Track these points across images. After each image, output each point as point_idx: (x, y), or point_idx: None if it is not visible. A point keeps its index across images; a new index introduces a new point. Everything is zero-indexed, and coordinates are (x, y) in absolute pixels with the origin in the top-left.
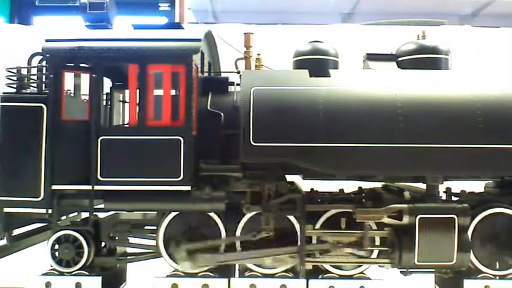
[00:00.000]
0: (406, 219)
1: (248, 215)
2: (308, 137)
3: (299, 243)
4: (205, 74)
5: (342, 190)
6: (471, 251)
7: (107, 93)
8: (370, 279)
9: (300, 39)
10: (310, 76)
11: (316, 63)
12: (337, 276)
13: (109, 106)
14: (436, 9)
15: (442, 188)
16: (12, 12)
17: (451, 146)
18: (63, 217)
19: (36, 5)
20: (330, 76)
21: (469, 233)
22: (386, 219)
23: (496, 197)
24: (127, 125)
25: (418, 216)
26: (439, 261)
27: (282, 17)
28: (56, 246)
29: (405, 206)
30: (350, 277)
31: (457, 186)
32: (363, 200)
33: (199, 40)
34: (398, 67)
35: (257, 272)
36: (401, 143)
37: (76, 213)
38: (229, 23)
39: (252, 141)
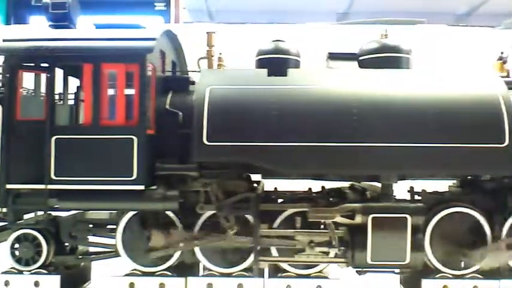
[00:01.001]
0: (358, 219)
1: (206, 214)
2: (261, 136)
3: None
4: (169, 74)
5: (310, 189)
6: (430, 251)
7: (75, 93)
8: (327, 278)
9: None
10: (268, 75)
11: (277, 63)
12: (294, 275)
13: (75, 105)
14: (431, 8)
15: (406, 187)
16: (9, 12)
17: (404, 145)
18: (29, 215)
19: (32, 4)
20: (286, 75)
21: (428, 232)
22: (339, 219)
23: (458, 197)
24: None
25: (371, 216)
26: (392, 261)
27: (277, 16)
28: (16, 245)
29: (358, 205)
30: (307, 276)
31: (430, 185)
32: (319, 200)
33: (153, 39)
34: (360, 66)
35: (215, 271)
36: (355, 142)
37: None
38: (225, 22)
39: (205, 141)
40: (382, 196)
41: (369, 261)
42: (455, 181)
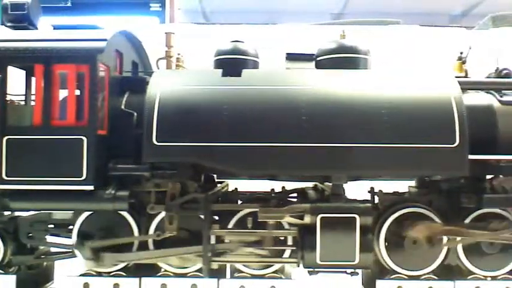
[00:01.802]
0: (307, 219)
1: (162, 214)
2: (211, 137)
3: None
4: (127, 74)
5: (272, 190)
6: (385, 251)
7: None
8: (281, 278)
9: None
10: (223, 76)
11: (233, 63)
12: (248, 275)
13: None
14: (425, 9)
15: (366, 187)
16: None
17: (355, 146)
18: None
19: None
20: (241, 76)
21: (383, 232)
22: (288, 219)
23: (415, 197)
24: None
25: (319, 216)
26: (341, 261)
27: (272, 16)
28: None
29: (307, 205)
30: (261, 277)
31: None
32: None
33: (104, 40)
34: (317, 67)
35: (169, 271)
36: (304, 142)
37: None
38: (220, 23)
39: (155, 141)
40: (333, 196)
41: (318, 261)
42: (414, 182)
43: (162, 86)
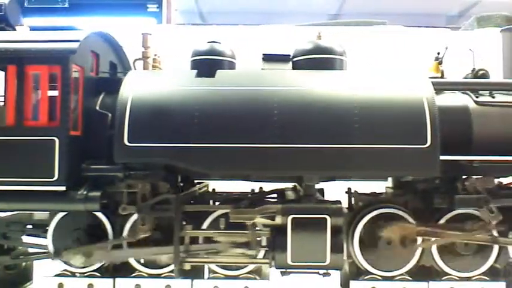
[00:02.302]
0: (278, 220)
1: (135, 215)
2: (182, 137)
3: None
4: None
5: (252, 190)
6: (359, 252)
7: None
8: (256, 279)
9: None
10: (196, 76)
11: (209, 64)
12: (222, 276)
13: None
14: (422, 10)
15: (344, 188)
16: None
17: (326, 147)
18: None
19: (25, 6)
20: (214, 77)
21: (357, 233)
22: (259, 220)
23: (391, 198)
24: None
25: (290, 217)
26: (312, 262)
27: (268, 17)
28: None
29: (278, 206)
30: (235, 277)
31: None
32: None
33: (76, 41)
34: (294, 68)
35: (143, 272)
36: (276, 143)
37: None
38: (217, 24)
39: (126, 142)
40: (304, 197)
41: (289, 262)
42: (390, 182)
43: (135, 87)
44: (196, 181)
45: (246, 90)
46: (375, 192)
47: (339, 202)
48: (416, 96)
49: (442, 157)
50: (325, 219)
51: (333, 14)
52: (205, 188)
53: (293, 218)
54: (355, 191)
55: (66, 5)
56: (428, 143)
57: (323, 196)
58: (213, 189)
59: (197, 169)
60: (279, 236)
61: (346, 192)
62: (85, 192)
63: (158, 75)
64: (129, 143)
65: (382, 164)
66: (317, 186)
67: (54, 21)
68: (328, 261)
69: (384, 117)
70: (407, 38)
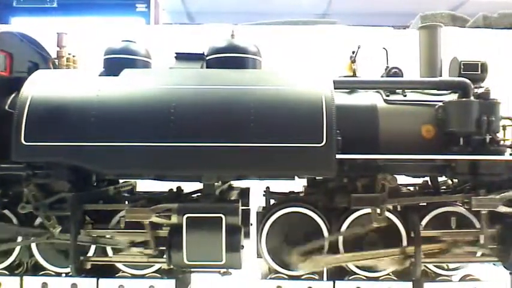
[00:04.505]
0: (174, 219)
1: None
2: (78, 136)
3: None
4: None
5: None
6: (266, 251)
7: None
8: (161, 278)
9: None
10: (101, 75)
11: (120, 63)
12: (129, 275)
13: None
14: (411, 10)
15: (262, 187)
16: None
17: (222, 145)
18: None
19: (14, 6)
20: (118, 75)
21: (265, 232)
22: (155, 219)
23: (304, 197)
24: None
25: (185, 215)
26: (209, 261)
27: (256, 17)
28: None
29: (173, 205)
30: (142, 276)
31: None
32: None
33: None
34: (207, 66)
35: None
36: (172, 142)
37: None
38: (204, 23)
39: (23, 140)
40: (203, 196)
41: (185, 261)
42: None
43: (37, 86)
44: (122, 181)
45: (146, 89)
46: (293, 192)
47: (237, 201)
48: (314, 94)
49: (338, 156)
50: (220, 218)
51: (320, 14)
52: (130, 187)
53: (188, 217)
54: (267, 190)
55: (55, 5)
56: (324, 142)
57: (248, 196)
58: (131, 189)
59: (92, 168)
60: (174, 235)
61: (264, 191)
62: None
63: (64, 74)
64: (26, 141)
65: (277, 163)
66: (243, 185)
67: (42, 21)
68: (224, 261)
69: (280, 116)
70: (351, 37)
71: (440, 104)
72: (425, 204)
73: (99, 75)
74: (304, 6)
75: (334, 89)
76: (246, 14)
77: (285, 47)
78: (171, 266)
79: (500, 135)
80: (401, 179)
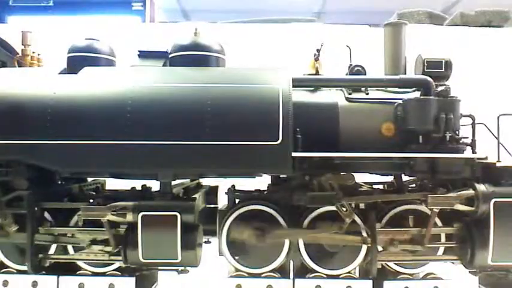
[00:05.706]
0: (129, 217)
1: None
2: (33, 134)
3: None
4: None
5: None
6: (227, 250)
7: None
8: (121, 276)
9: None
10: (60, 73)
11: (82, 61)
12: (89, 273)
13: None
14: (405, 8)
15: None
16: None
17: (177, 144)
18: None
19: (10, 4)
20: (76, 74)
21: (225, 231)
22: (111, 217)
23: (267, 195)
24: None
25: (141, 214)
26: (164, 259)
27: (251, 16)
28: None
29: (129, 203)
30: (102, 274)
31: None
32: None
33: None
34: (171, 64)
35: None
36: (127, 140)
37: None
38: (199, 21)
39: None
40: (159, 194)
41: (141, 259)
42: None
43: None
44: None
45: (103, 87)
46: (258, 190)
47: (194, 199)
48: (270, 91)
49: (295, 154)
50: (175, 216)
51: (316, 12)
52: (98, 186)
53: (143, 215)
54: (231, 188)
55: (51, 4)
56: (280, 140)
57: (216, 194)
58: (97, 187)
59: (48, 166)
60: (130, 233)
61: (228, 189)
62: None
63: (24, 73)
64: None
65: (233, 161)
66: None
67: (38, 19)
68: (180, 259)
69: (237, 114)
70: (330, 36)
71: (400, 101)
72: (391, 202)
73: (59, 74)
74: (300, 4)
75: (294, 87)
76: (241, 12)
77: (261, 45)
78: (128, 265)
79: (461, 133)
80: (373, 178)
